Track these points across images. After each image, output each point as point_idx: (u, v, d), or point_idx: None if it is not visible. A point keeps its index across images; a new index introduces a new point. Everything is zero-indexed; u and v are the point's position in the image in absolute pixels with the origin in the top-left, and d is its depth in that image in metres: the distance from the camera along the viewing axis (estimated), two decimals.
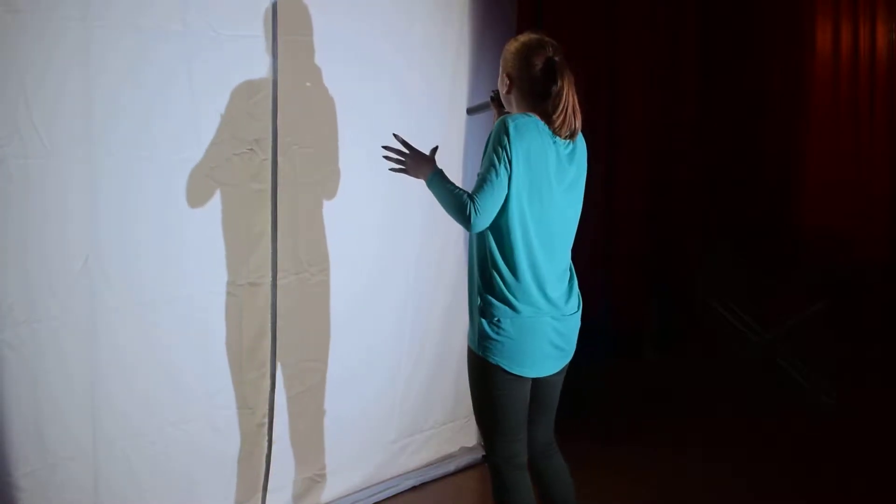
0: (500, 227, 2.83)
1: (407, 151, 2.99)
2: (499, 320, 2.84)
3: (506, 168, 2.76)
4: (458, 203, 2.78)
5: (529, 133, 2.80)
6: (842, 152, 7.44)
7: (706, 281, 6.17)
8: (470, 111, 3.47)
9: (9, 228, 2.90)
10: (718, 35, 6.93)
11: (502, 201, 2.79)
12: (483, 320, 2.86)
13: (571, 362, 3.07)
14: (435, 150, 3.04)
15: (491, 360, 2.86)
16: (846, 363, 6.04)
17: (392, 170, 3.02)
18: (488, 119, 3.30)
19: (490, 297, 2.85)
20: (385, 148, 3.00)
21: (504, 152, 2.76)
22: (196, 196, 3.35)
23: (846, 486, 4.34)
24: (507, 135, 2.77)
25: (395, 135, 3.03)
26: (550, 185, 2.86)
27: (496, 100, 3.12)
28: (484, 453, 3.04)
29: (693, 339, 6.47)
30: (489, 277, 2.86)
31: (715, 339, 6.22)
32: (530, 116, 2.85)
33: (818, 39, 7.44)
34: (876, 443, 4.92)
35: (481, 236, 2.87)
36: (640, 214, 6.41)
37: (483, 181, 2.77)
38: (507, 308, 2.84)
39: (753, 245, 6.51)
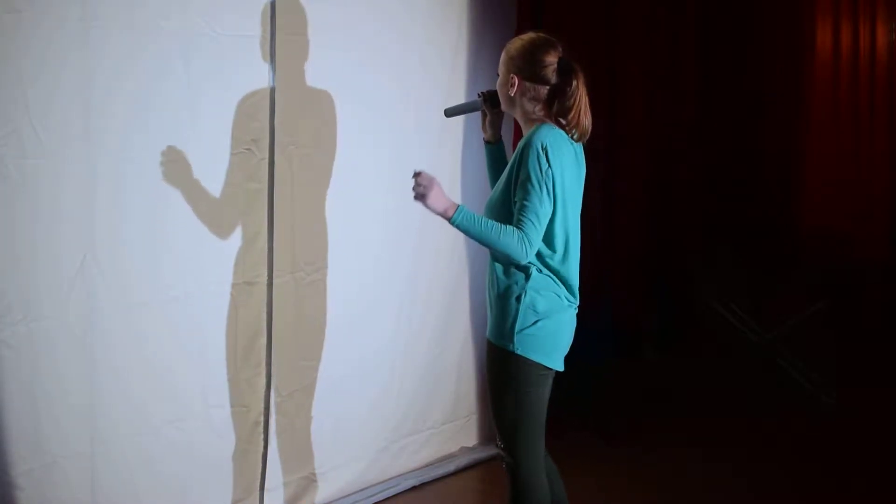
0: (554, 237, 2.83)
1: (431, 180, 2.78)
2: (543, 319, 2.84)
3: (549, 195, 2.76)
4: (507, 239, 2.73)
5: (561, 147, 2.81)
6: (842, 152, 7.43)
7: (706, 281, 6.16)
8: (449, 113, 3.22)
9: (6, 228, 2.90)
10: (718, 35, 6.92)
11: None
12: (526, 319, 2.84)
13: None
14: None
15: (530, 358, 2.84)
16: (846, 363, 6.04)
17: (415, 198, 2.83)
18: (475, 117, 3.25)
19: (537, 298, 2.84)
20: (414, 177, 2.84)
21: (546, 178, 2.74)
22: (193, 195, 3.35)
23: (846, 486, 4.34)
24: (547, 159, 2.75)
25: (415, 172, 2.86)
26: (575, 186, 2.90)
27: (488, 101, 3.07)
28: (501, 455, 2.97)
29: (693, 339, 6.46)
30: (538, 279, 2.84)
31: (715, 339, 6.21)
32: (553, 127, 2.84)
33: (818, 39, 7.42)
34: (876, 443, 4.91)
35: None
36: (640, 214, 6.40)
37: (530, 213, 2.73)
38: (551, 308, 2.85)
39: (753, 245, 6.50)
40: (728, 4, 6.93)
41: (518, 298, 2.85)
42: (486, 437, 4.57)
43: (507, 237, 2.74)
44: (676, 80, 6.67)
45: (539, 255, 2.84)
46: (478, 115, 3.18)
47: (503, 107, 3.00)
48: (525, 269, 2.84)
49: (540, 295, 2.85)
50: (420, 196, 2.78)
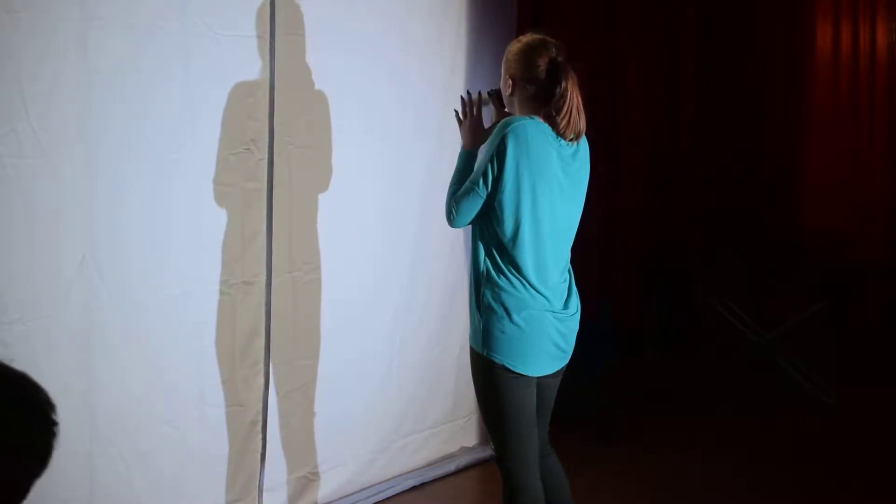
0: (505, 228, 2.84)
1: (473, 114, 3.07)
2: (503, 319, 2.83)
3: (493, 181, 2.82)
4: (450, 196, 2.92)
5: (528, 138, 2.81)
6: (842, 153, 7.42)
7: (706, 281, 6.15)
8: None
9: (4, 227, 2.89)
10: (718, 35, 6.92)
11: (479, 209, 2.86)
12: (486, 319, 2.85)
13: (572, 361, 3.06)
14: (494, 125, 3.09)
15: (496, 360, 2.85)
16: (846, 363, 6.03)
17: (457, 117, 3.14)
18: (486, 112, 3.26)
19: (494, 297, 2.85)
20: (467, 95, 3.10)
21: (496, 164, 2.80)
22: (191, 195, 3.35)
23: (846, 486, 4.34)
24: (504, 146, 2.79)
25: (480, 92, 3.11)
26: (552, 186, 2.87)
27: (494, 97, 3.11)
28: (493, 454, 3.01)
29: (693, 339, 6.46)
30: (493, 276, 2.86)
31: (715, 339, 6.21)
32: (532, 119, 2.86)
33: (818, 39, 7.42)
34: (876, 443, 4.91)
35: (485, 235, 2.89)
36: (639, 214, 6.40)
37: (469, 189, 2.86)
38: (511, 307, 2.84)
39: (753, 245, 6.49)
40: (728, 4, 6.93)
41: (480, 300, 2.88)
42: (485, 437, 4.57)
43: (449, 196, 2.93)
44: (676, 80, 6.67)
45: (506, 255, 2.85)
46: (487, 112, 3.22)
47: (505, 106, 3.05)
48: (491, 273, 2.86)
49: (499, 295, 2.84)
50: (459, 122, 3.10)
